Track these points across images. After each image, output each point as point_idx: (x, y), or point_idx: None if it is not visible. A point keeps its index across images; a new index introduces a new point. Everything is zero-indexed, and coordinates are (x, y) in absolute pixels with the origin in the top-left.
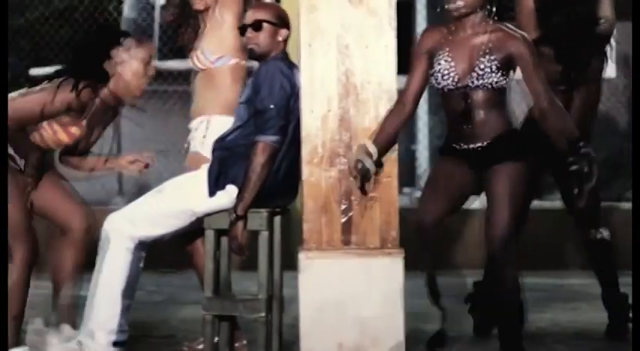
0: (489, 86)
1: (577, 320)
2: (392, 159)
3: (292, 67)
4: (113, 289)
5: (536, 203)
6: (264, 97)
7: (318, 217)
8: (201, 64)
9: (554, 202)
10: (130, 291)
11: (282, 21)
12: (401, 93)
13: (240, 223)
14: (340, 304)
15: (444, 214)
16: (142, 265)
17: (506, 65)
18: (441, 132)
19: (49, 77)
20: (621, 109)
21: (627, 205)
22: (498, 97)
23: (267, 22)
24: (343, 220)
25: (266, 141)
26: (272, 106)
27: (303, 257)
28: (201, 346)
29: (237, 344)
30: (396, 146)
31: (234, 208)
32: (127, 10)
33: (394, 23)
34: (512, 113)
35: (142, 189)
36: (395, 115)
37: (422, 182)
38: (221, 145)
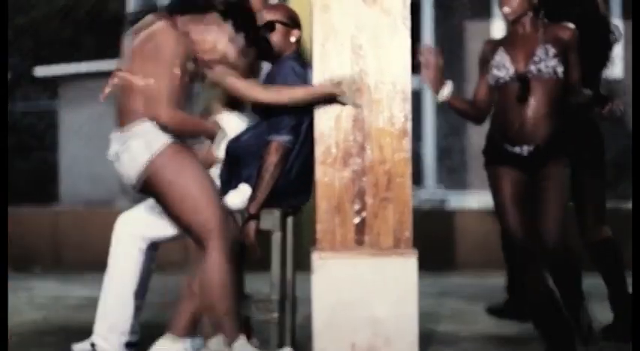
0: (546, 74)
1: None
2: (405, 159)
3: (305, 66)
4: (125, 289)
5: None
6: None
7: (332, 218)
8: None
9: None
10: (141, 291)
11: (293, 21)
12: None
13: (252, 222)
14: (353, 304)
15: (530, 222)
16: (154, 265)
17: (562, 53)
18: (447, 131)
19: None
20: (627, 109)
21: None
22: (553, 93)
23: (279, 22)
24: (356, 220)
25: (279, 140)
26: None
27: (316, 257)
28: None
29: None
30: (409, 147)
31: (247, 207)
32: (131, 9)
33: (408, 23)
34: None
35: None
36: (472, 108)
37: (428, 180)
38: (235, 145)
